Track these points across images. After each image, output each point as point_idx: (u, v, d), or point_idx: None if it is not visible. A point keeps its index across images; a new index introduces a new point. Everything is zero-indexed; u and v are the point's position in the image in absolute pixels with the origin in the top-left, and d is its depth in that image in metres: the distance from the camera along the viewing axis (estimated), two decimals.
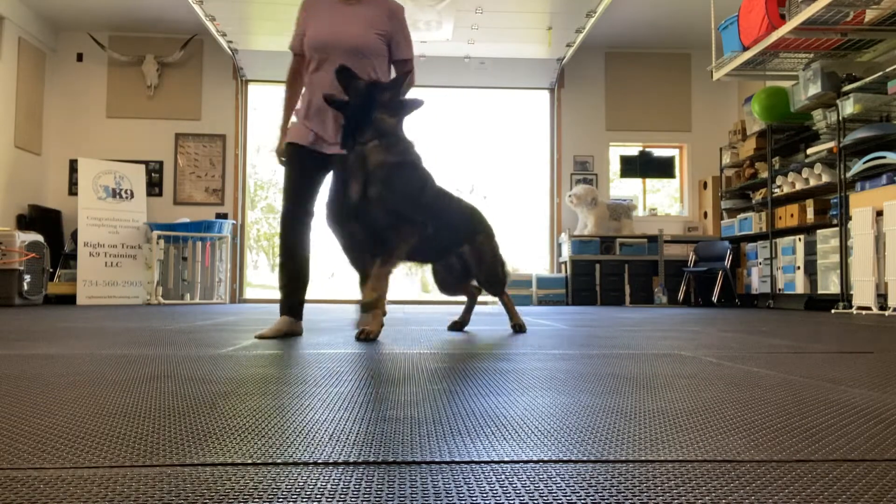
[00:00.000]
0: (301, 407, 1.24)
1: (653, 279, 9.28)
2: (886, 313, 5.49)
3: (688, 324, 4.26)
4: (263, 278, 12.81)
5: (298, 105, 3.14)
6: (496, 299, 3.46)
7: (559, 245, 9.91)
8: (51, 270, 8.39)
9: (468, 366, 1.91)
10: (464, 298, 3.51)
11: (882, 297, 5.67)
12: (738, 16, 7.22)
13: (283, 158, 3.11)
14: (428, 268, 3.32)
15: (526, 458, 0.87)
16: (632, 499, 0.71)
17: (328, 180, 3.06)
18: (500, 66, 9.83)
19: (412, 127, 3.04)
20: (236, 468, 0.82)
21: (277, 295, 3.07)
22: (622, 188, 10.56)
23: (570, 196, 9.54)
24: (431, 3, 8.00)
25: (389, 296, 2.96)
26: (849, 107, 6.26)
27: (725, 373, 1.76)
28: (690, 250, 9.24)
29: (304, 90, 3.13)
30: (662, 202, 11.13)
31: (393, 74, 3.18)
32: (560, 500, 0.70)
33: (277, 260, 3.06)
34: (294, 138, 3.05)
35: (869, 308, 5.77)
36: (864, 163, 6.04)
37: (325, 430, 1.04)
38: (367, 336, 2.74)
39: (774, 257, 7.75)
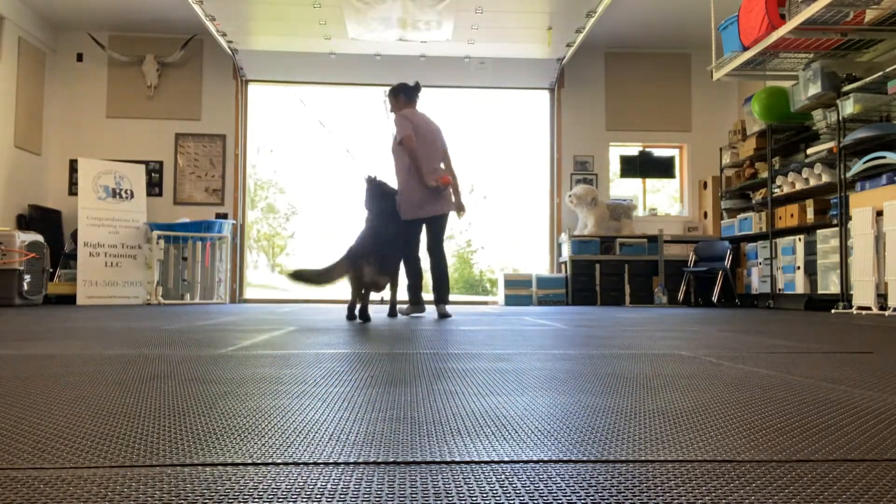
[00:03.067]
0: (301, 407, 1.24)
1: (653, 279, 9.28)
2: (886, 313, 5.49)
3: (688, 324, 4.26)
4: (263, 278, 12.81)
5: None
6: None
7: (559, 245, 9.91)
8: (51, 270, 8.39)
9: (468, 366, 1.91)
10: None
11: (882, 297, 5.67)
12: (738, 16, 7.22)
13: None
14: None
15: (526, 458, 0.87)
16: (632, 499, 0.71)
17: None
18: (500, 66, 9.83)
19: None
20: (236, 468, 0.82)
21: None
22: (622, 188, 10.56)
23: (570, 196, 9.54)
24: (431, 3, 8.00)
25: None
26: (849, 107, 6.26)
27: (725, 373, 1.76)
28: (690, 250, 9.24)
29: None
30: (662, 202, 11.13)
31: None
32: (560, 500, 0.70)
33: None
34: None
35: (869, 308, 5.77)
36: (864, 163, 6.04)
37: (325, 430, 1.04)
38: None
39: (774, 257, 7.75)
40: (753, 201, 8.56)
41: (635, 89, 10.12)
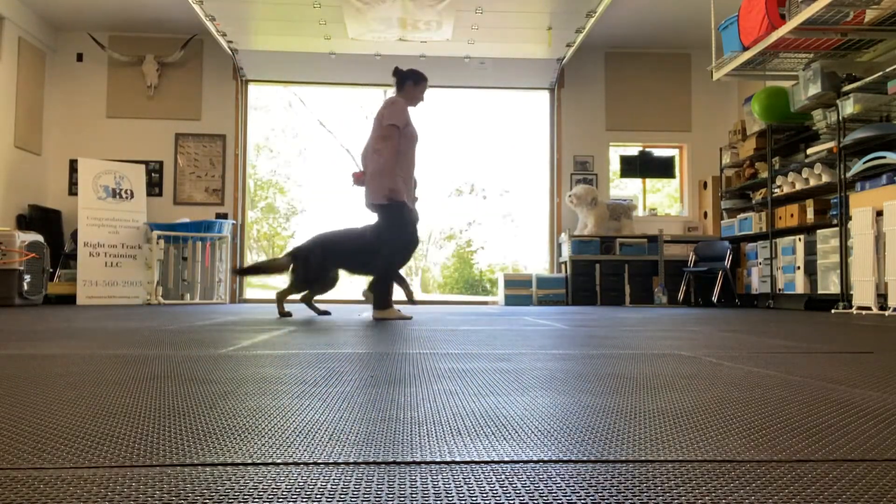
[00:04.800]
0: (301, 407, 1.24)
1: (653, 279, 9.28)
2: (886, 313, 5.49)
3: (688, 324, 4.26)
4: (263, 278, 12.81)
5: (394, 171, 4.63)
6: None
7: (559, 245, 9.91)
8: (51, 270, 8.39)
9: (468, 366, 1.91)
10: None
11: (882, 297, 5.67)
12: (738, 16, 7.22)
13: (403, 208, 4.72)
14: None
15: (526, 458, 0.87)
16: (632, 499, 0.71)
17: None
18: (500, 66, 9.83)
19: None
20: (236, 468, 0.82)
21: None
22: (622, 188, 10.56)
23: (570, 196, 9.54)
24: (431, 3, 8.00)
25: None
26: (849, 107, 6.26)
27: (725, 373, 1.76)
28: (690, 250, 9.24)
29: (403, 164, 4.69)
30: (662, 202, 11.14)
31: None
32: (560, 500, 0.70)
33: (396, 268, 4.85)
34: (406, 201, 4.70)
35: (869, 308, 5.77)
36: (864, 163, 6.04)
37: (325, 430, 1.04)
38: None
39: (774, 257, 7.75)
40: (753, 201, 8.56)
41: (635, 89, 10.11)
